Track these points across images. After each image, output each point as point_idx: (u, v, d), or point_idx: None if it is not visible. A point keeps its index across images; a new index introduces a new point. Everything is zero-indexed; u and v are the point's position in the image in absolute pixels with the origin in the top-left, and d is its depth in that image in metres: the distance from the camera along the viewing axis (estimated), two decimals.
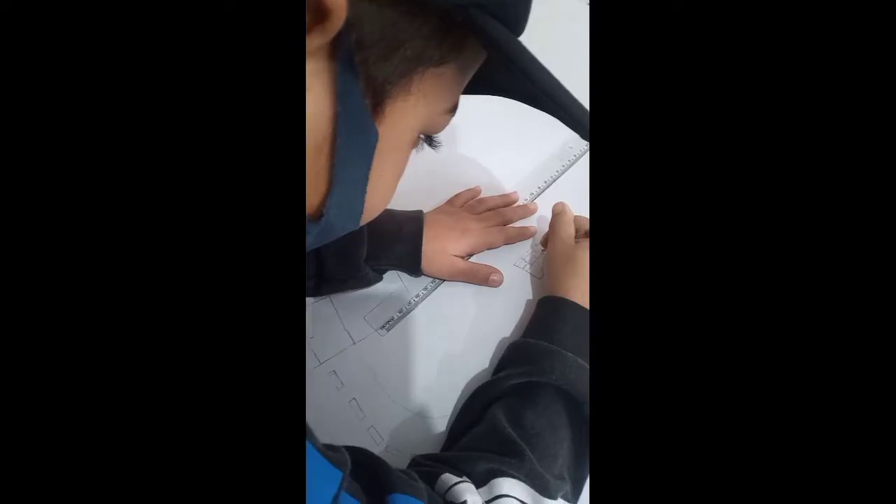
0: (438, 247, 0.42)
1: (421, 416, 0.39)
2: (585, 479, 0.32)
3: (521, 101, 0.25)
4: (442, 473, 0.27)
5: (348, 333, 0.43)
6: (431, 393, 0.40)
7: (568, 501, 0.31)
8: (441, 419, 0.38)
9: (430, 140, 0.25)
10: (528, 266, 0.45)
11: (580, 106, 0.21)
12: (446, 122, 0.24)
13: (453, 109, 0.24)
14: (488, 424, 0.32)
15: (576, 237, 0.42)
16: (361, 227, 0.40)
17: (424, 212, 0.45)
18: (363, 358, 0.41)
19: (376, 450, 0.37)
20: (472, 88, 0.26)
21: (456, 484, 0.27)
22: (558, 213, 0.44)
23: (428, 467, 0.29)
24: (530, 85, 0.20)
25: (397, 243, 0.41)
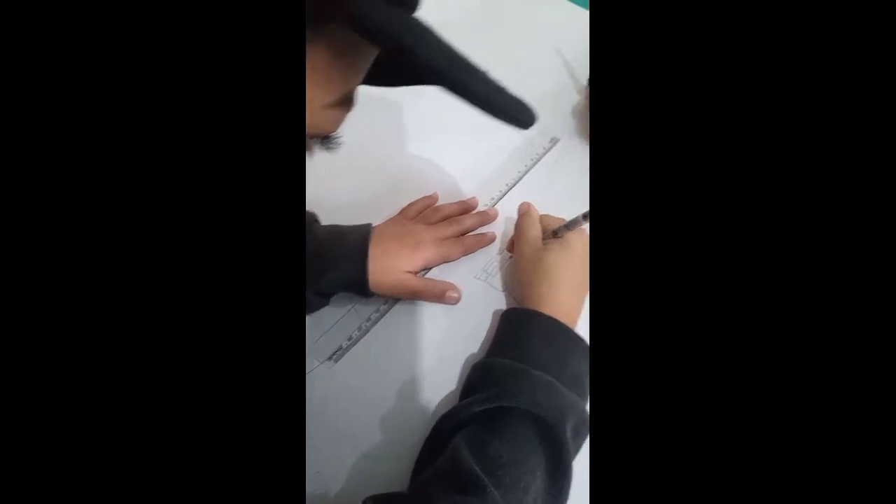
0: (388, 263, 0.37)
1: (380, 453, 0.34)
2: None
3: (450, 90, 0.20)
4: None
5: None
6: (391, 427, 0.35)
7: None
8: (405, 454, 0.34)
9: (324, 141, 0.20)
10: (489, 277, 0.41)
11: (503, 93, 0.17)
12: (338, 119, 0.20)
13: (344, 102, 0.19)
14: (450, 458, 0.28)
15: (543, 238, 0.38)
16: None
17: (373, 225, 0.40)
18: (313, 393, 0.37)
19: (327, 498, 0.32)
20: (391, 79, 0.21)
21: None
22: (523, 213, 0.40)
23: None
24: (438, 72, 0.16)
25: (341, 262, 0.37)
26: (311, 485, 0.33)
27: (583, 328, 0.36)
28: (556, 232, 0.36)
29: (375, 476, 0.33)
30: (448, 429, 0.30)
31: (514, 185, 0.47)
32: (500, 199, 0.46)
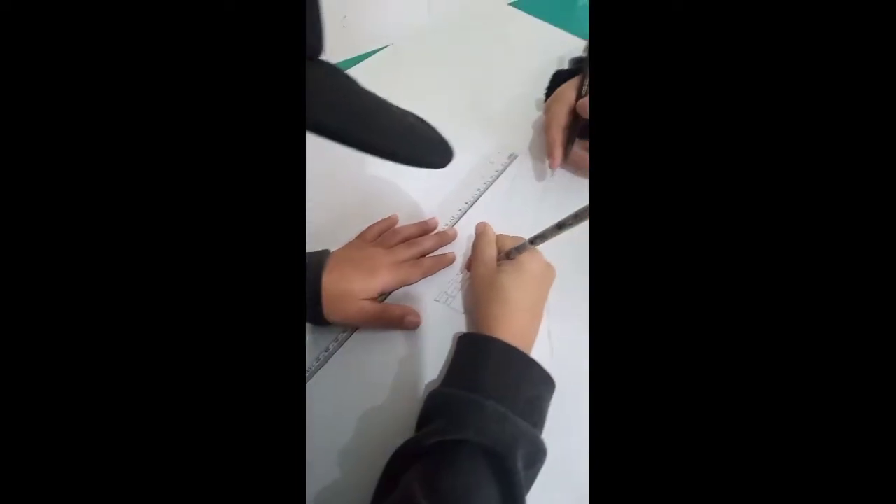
0: (343, 290, 0.36)
1: (339, 488, 0.33)
2: None
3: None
4: None
5: None
6: (349, 461, 0.34)
7: None
8: (364, 487, 0.33)
9: None
10: (449, 299, 0.41)
11: (408, 138, 0.17)
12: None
13: None
14: (402, 494, 0.27)
15: (498, 259, 0.38)
16: None
17: (331, 251, 0.39)
18: None
19: None
20: None
21: None
22: (479, 234, 0.40)
23: None
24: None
25: None
26: None
27: (540, 351, 0.36)
28: (508, 254, 0.36)
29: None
30: (400, 463, 0.29)
31: (474, 203, 0.47)
32: (461, 218, 0.46)
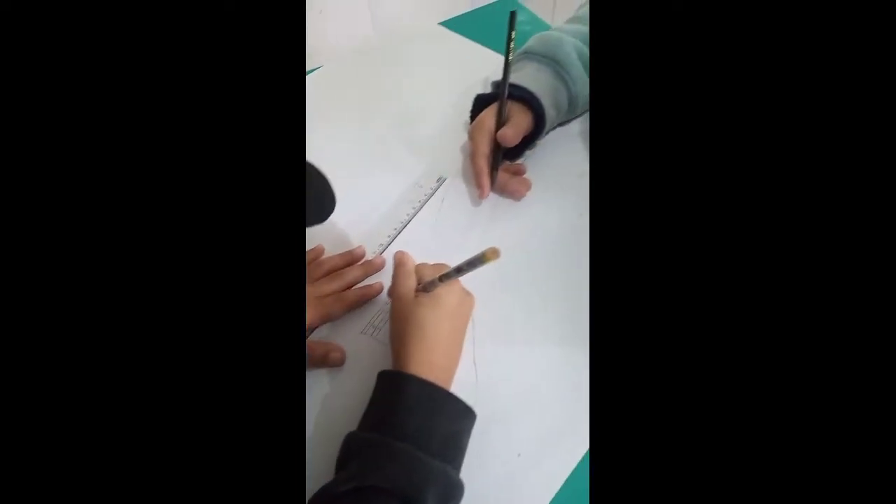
0: None
1: None
2: None
3: None
4: None
5: None
6: None
7: None
8: None
9: None
10: (376, 332, 0.40)
11: None
12: None
13: None
14: None
15: (417, 290, 0.37)
16: None
17: None
18: None
19: None
20: None
21: None
22: (397, 264, 0.39)
23: None
24: None
25: None
26: None
27: (463, 381, 0.36)
28: (425, 287, 0.36)
29: None
30: None
31: (403, 229, 0.47)
32: (389, 245, 0.46)
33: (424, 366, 0.32)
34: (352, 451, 0.30)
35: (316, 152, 0.51)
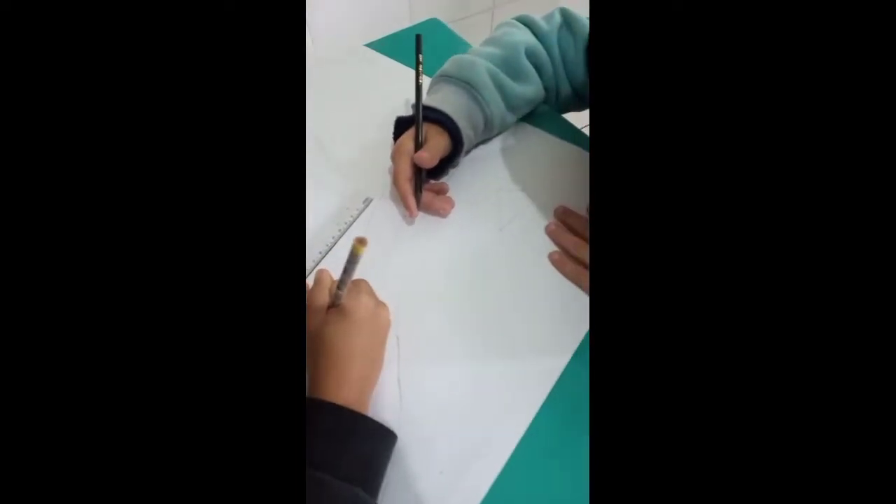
0: None
1: None
2: None
3: None
4: None
5: None
6: None
7: None
8: None
9: None
10: None
11: None
12: None
13: None
14: None
15: (329, 307, 0.36)
16: None
17: None
18: None
19: None
20: None
21: None
22: (315, 281, 0.39)
23: None
24: None
25: None
26: None
27: (387, 400, 0.36)
28: (332, 301, 0.35)
29: None
30: None
31: (328, 252, 0.47)
32: (314, 269, 0.46)
33: (336, 384, 0.32)
34: None
35: None
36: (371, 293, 0.37)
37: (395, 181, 0.47)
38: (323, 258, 0.46)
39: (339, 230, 0.48)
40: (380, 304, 0.37)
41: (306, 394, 0.33)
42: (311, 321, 0.35)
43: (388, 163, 0.54)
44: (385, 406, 0.37)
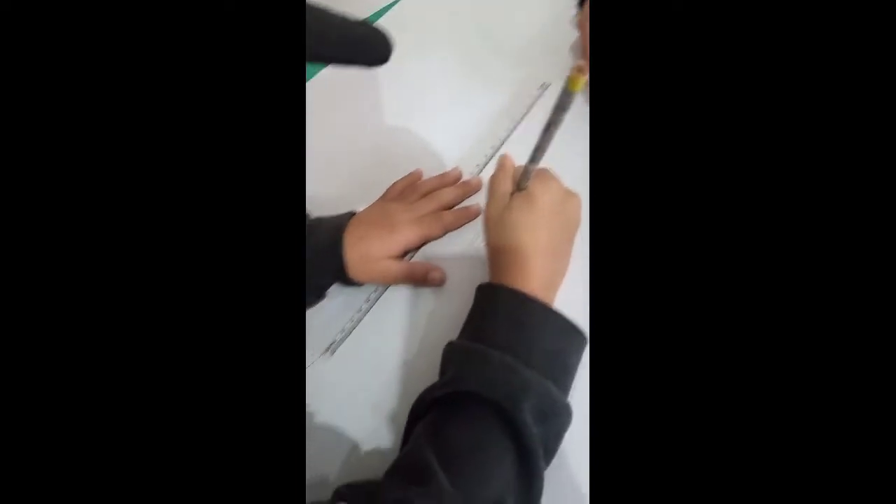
0: (364, 250, 0.36)
1: (371, 441, 0.35)
2: (539, 500, 0.26)
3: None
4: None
5: None
6: (382, 415, 0.35)
7: None
8: (395, 440, 0.34)
9: None
10: (479, 252, 0.39)
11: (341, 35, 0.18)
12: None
13: None
14: (413, 446, 0.28)
15: (513, 193, 0.33)
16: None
17: (356, 212, 0.39)
18: (313, 388, 0.38)
19: (325, 483, 0.34)
20: None
21: None
22: (497, 168, 0.35)
23: (347, 499, 0.25)
24: None
25: (319, 254, 0.36)
26: (309, 472, 0.34)
27: (574, 299, 0.33)
28: (519, 184, 0.32)
29: (367, 462, 0.34)
30: (415, 415, 0.29)
31: (501, 146, 0.43)
32: (486, 164, 0.43)
33: (520, 277, 0.30)
34: (449, 358, 0.30)
35: (407, 74, 0.50)
36: (560, 182, 0.33)
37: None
38: (494, 154, 0.43)
39: (514, 122, 0.44)
40: (570, 194, 0.33)
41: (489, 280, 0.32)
42: (493, 206, 0.33)
43: (569, 43, 0.46)
44: (572, 307, 0.33)
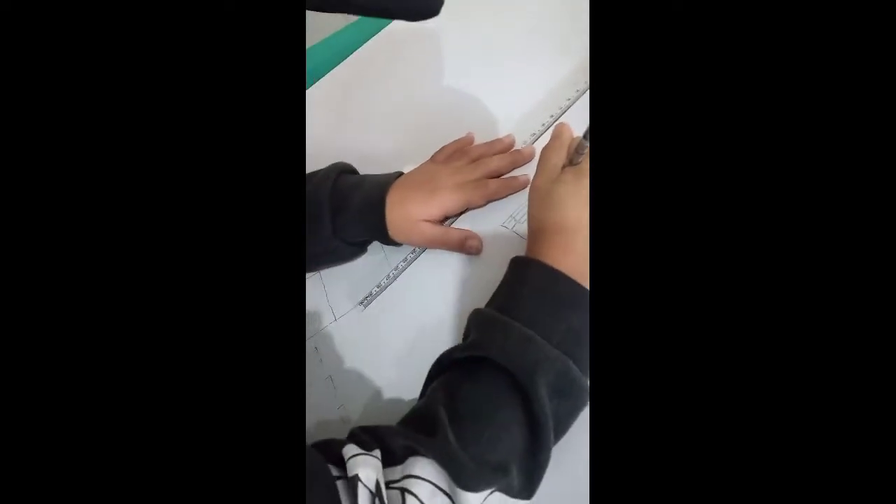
0: (403, 212, 0.37)
1: (394, 390, 0.36)
2: (542, 471, 0.26)
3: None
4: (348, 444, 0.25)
5: (332, 310, 0.41)
6: (404, 369, 0.37)
7: (513, 497, 0.26)
8: (415, 391, 0.35)
9: None
10: (517, 225, 0.38)
11: None
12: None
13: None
14: (427, 400, 0.29)
15: (564, 166, 0.32)
16: (321, 201, 0.37)
17: (405, 172, 0.40)
18: (343, 335, 0.40)
19: (343, 429, 0.36)
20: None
21: (355, 456, 0.24)
22: (552, 137, 0.34)
23: (358, 440, 0.27)
24: None
25: (361, 212, 0.38)
26: (335, 415, 0.37)
27: None
28: (571, 158, 0.30)
29: (387, 409, 0.36)
30: (434, 372, 0.30)
31: (560, 116, 0.41)
32: (542, 134, 0.41)
33: (561, 252, 0.29)
34: (473, 324, 0.30)
35: (470, 34, 0.48)
36: None
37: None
38: (553, 124, 0.41)
39: (577, 91, 0.42)
40: None
41: (525, 255, 0.32)
42: (542, 178, 0.32)
43: None
44: None
